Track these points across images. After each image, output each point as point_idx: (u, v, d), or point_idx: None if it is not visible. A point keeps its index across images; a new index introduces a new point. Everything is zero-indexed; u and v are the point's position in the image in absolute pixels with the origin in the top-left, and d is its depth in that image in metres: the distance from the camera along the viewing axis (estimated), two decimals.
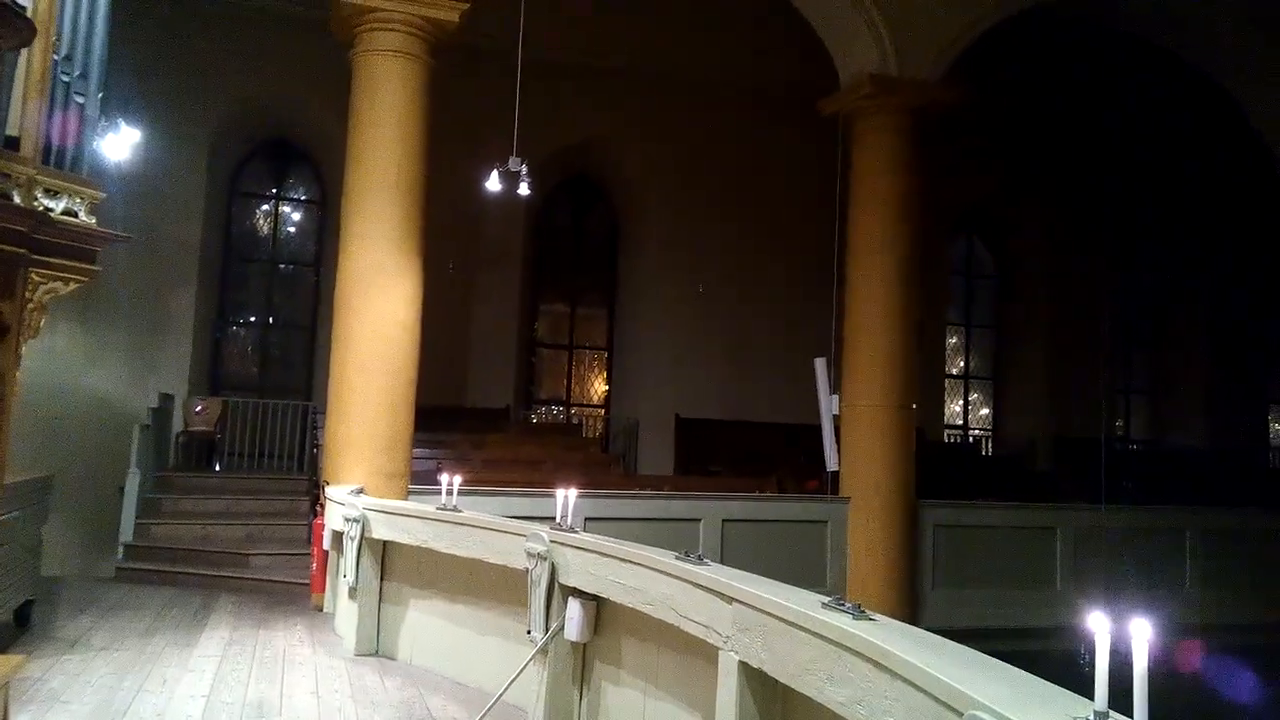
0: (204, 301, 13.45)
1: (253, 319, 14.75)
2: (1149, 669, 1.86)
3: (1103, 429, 14.31)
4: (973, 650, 2.61)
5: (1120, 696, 1.89)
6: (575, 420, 15.99)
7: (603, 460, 13.02)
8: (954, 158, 14.90)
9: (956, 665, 2.39)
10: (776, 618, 3.13)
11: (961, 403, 18.25)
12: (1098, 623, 1.94)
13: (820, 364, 10.82)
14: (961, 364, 18.34)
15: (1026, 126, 16.22)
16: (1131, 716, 1.87)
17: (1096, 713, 1.93)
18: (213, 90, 13.03)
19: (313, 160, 14.67)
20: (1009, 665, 2.46)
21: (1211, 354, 18.33)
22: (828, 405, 10.70)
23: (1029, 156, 16.61)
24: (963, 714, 2.10)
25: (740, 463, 12.99)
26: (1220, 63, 12.65)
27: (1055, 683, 2.27)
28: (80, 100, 5.51)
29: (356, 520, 6.52)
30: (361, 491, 7.54)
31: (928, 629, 3.29)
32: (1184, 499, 12.61)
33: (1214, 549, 11.52)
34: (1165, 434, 18.77)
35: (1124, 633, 1.88)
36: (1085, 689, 2.00)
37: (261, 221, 14.83)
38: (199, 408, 12.29)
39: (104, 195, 5.63)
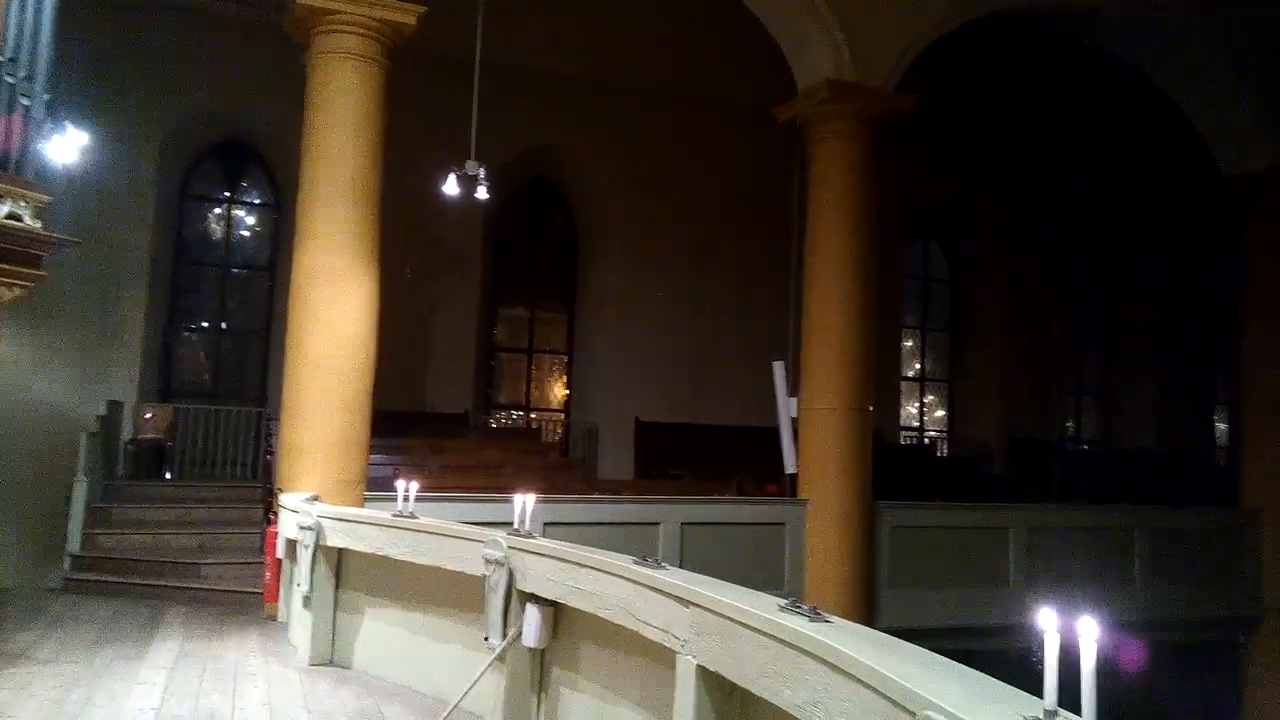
0: (154, 306, 13.20)
1: (205, 324, 14.50)
2: (1097, 667, 1.89)
3: (1055, 430, 14.56)
4: (927, 650, 2.64)
5: (1071, 694, 1.92)
6: (535, 425, 15.94)
7: (562, 465, 12.98)
8: (910, 163, 15.10)
9: (910, 666, 2.41)
10: (734, 621, 3.14)
11: (917, 405, 18.48)
12: (1047, 622, 1.97)
13: (778, 367, 10.90)
14: (917, 367, 18.57)
15: (981, 132, 16.48)
16: (1080, 715, 1.89)
17: (1046, 711, 1.95)
18: (163, 92, 12.80)
19: (266, 163, 14.47)
20: (962, 665, 2.48)
21: (1160, 357, 18.75)
22: (786, 408, 10.77)
23: (984, 162, 16.88)
24: (916, 714, 2.12)
25: (700, 466, 13.03)
26: (1165, 70, 12.94)
27: (1009, 681, 2.30)
28: (26, 103, 5.38)
29: (311, 528, 6.42)
30: (316, 499, 7.43)
31: (885, 629, 3.32)
32: (1134, 498, 12.88)
33: (1162, 547, 11.77)
34: (1116, 435, 19.18)
35: (1072, 631, 1.91)
36: (1038, 687, 2.03)
37: (214, 225, 14.59)
38: (149, 415, 12.05)
39: (50, 199, 5.50)
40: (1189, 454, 17.93)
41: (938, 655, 2.59)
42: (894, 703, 2.26)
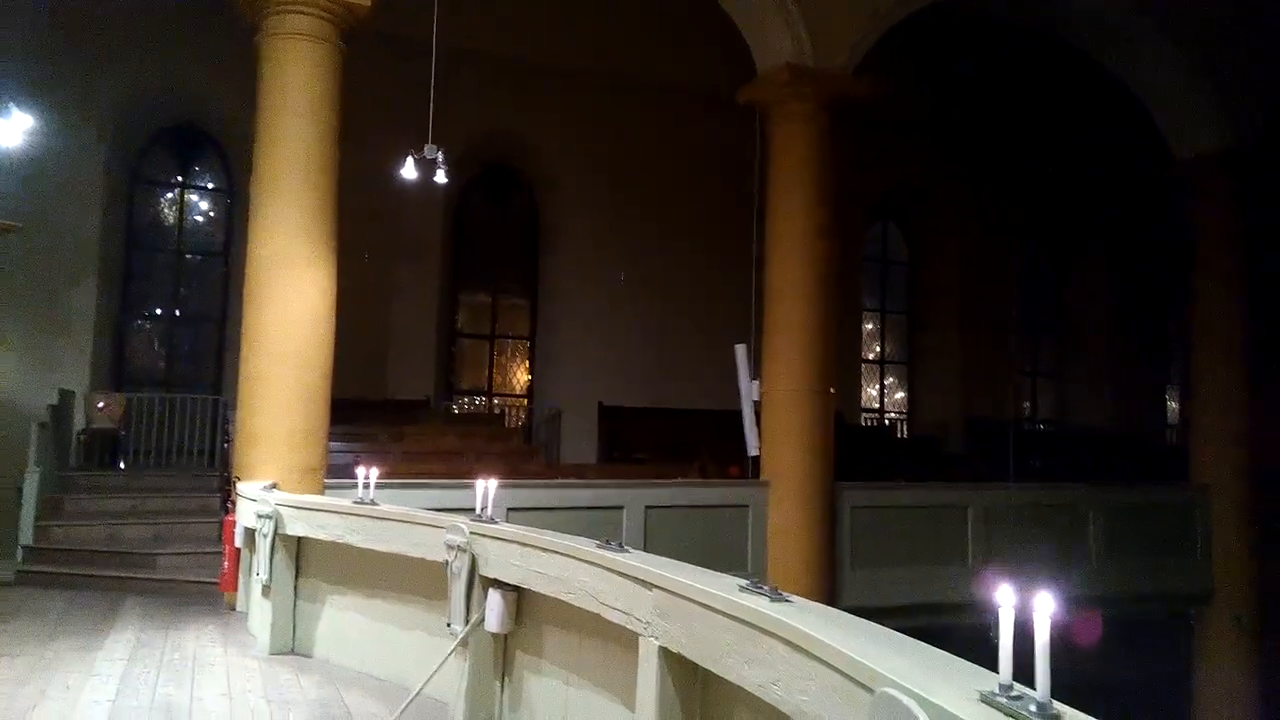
0: (106, 294, 12.92)
1: (158, 311, 14.23)
2: (1052, 641, 1.92)
3: (1011, 411, 14.78)
4: (885, 628, 2.67)
5: (1027, 667, 1.95)
6: (498, 410, 15.87)
7: (525, 450, 12.94)
8: (869, 146, 15.20)
9: (869, 643, 2.44)
10: (695, 602, 3.15)
11: (878, 387, 18.67)
12: (1002, 597, 2.00)
13: (741, 350, 10.93)
14: (877, 349, 18.75)
15: (939, 117, 16.62)
16: (1034, 687, 1.92)
17: (1001, 685, 1.98)
18: (112, 74, 12.51)
19: (219, 147, 14.20)
20: (920, 642, 2.52)
21: (1113, 338, 19.11)
22: (748, 391, 10.82)
23: (941, 146, 17.05)
24: (874, 690, 2.14)
25: (664, 450, 13.06)
26: (1116, 55, 13.13)
27: (967, 656, 2.33)
28: None
29: (269, 516, 6.35)
30: (275, 487, 7.34)
31: (847, 608, 3.36)
32: (1088, 477, 13.15)
33: (1115, 524, 12.03)
34: (1071, 415, 19.53)
35: (1027, 606, 1.94)
36: (995, 661, 2.06)
37: (166, 210, 14.31)
38: (101, 404, 11.82)
39: None
40: (1141, 433, 18.32)
41: (896, 632, 2.62)
42: (852, 679, 2.28)
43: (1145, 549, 12.26)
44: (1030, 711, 1.86)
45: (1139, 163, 15.40)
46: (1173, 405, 20.49)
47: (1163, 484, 13.64)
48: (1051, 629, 1.90)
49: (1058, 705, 1.88)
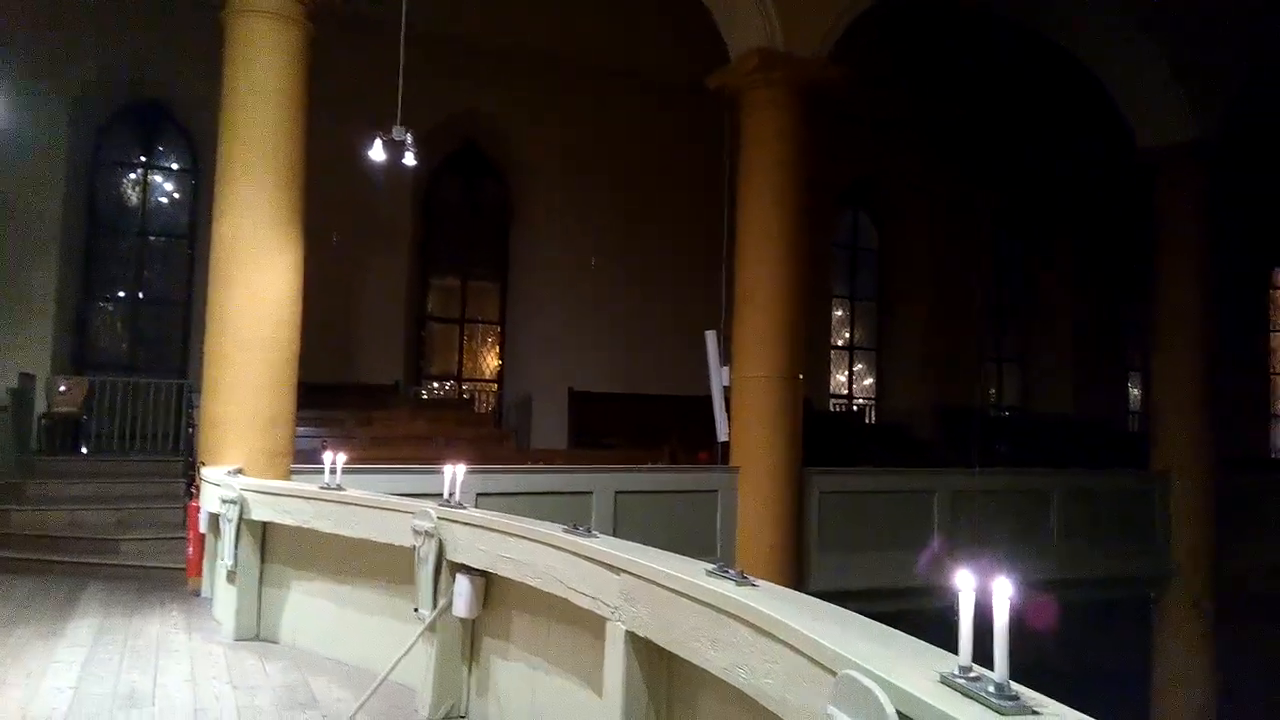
0: (67, 276, 12.70)
1: (121, 294, 13.99)
2: (1014, 624, 1.94)
3: (977, 397, 14.94)
4: (849, 612, 2.69)
5: (989, 649, 1.97)
6: (467, 396, 15.81)
7: (495, 435, 12.91)
8: (841, 134, 15.23)
9: (832, 626, 2.46)
10: (662, 587, 3.17)
11: (847, 373, 18.80)
12: (963, 581, 2.02)
13: (711, 336, 10.96)
14: (847, 335, 18.86)
15: (910, 105, 16.69)
16: (992, 668, 1.95)
17: (961, 667, 2.01)
18: (74, 52, 12.25)
19: (184, 126, 13.97)
20: (883, 625, 2.55)
21: (1078, 326, 19.37)
22: (718, 377, 10.85)
23: (913, 135, 17.12)
24: (836, 673, 2.16)
25: (634, 435, 13.08)
26: (1085, 46, 13.25)
27: (932, 639, 2.36)
28: None
29: (234, 502, 6.29)
30: (240, 472, 7.27)
31: (815, 592, 3.39)
32: (1051, 462, 13.33)
33: (1077, 508, 12.21)
34: (1035, 401, 19.79)
35: (987, 589, 1.96)
36: (956, 644, 2.09)
37: (129, 191, 14.05)
38: (63, 388, 11.63)
39: None
40: (1104, 419, 18.60)
41: (859, 616, 2.65)
42: (816, 662, 2.31)
43: (1107, 533, 12.46)
44: (988, 692, 1.89)
45: (1107, 152, 15.57)
46: (1135, 392, 20.81)
47: (1124, 469, 13.87)
48: (1012, 612, 1.93)
49: (1015, 686, 1.91)
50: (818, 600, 2.87)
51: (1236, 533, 13.12)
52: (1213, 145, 13.01)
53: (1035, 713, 1.87)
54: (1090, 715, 1.90)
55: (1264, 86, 13.74)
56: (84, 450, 11.84)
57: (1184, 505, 12.73)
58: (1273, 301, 20.54)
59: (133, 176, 14.04)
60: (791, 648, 2.43)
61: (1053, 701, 1.93)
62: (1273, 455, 20.10)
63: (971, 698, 1.91)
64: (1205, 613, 12.54)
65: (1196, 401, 12.84)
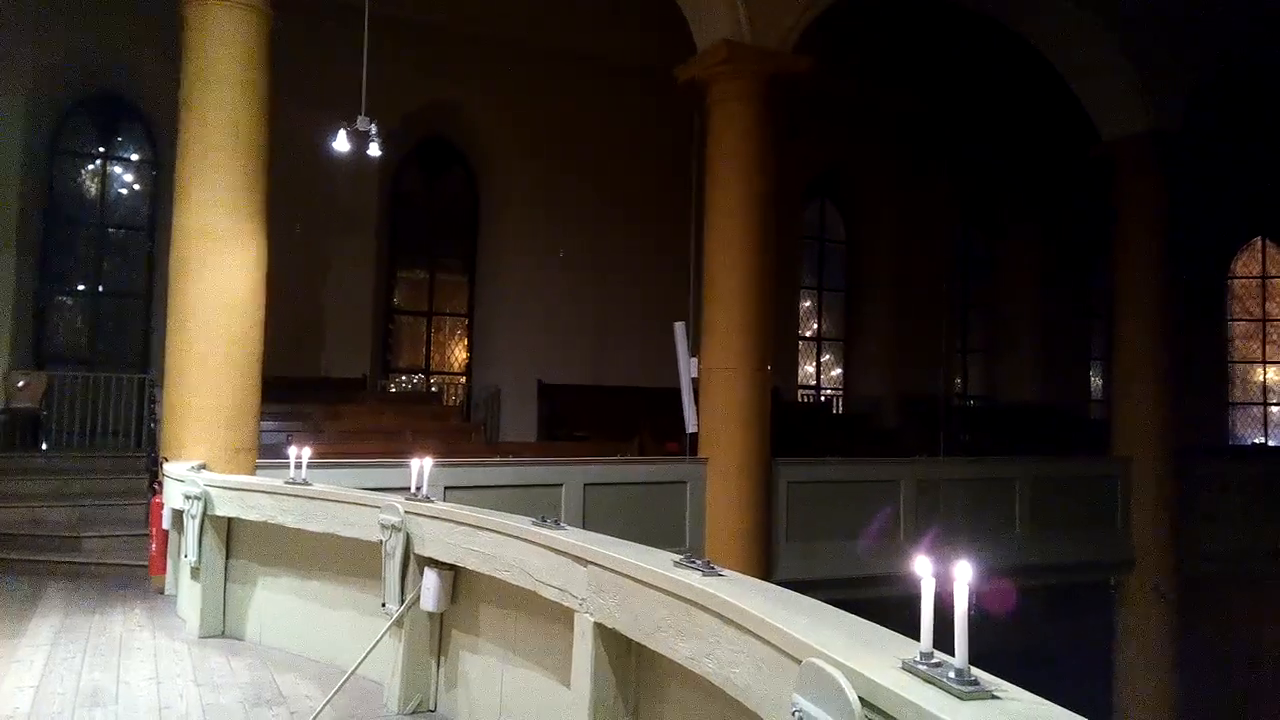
0: (24, 268, 12.47)
1: (81, 287, 13.75)
2: (979, 610, 1.97)
3: (942, 386, 15.09)
4: (815, 600, 2.72)
5: (951, 635, 2.00)
6: (436, 388, 15.72)
7: (464, 428, 12.84)
8: (808, 126, 15.29)
9: (797, 615, 2.48)
10: (629, 578, 3.18)
11: (814, 364, 18.91)
12: (922, 568, 2.05)
13: (679, 328, 10.97)
14: (814, 326, 18.97)
15: (878, 98, 16.78)
16: (953, 654, 1.98)
17: (922, 653, 2.04)
18: (30, 41, 11.99)
19: (144, 117, 13.73)
20: (847, 613, 2.57)
21: (1041, 314, 19.61)
22: (687, 368, 10.86)
23: (880, 126, 17.22)
24: (801, 661, 2.19)
25: (603, 427, 13.08)
26: (1046, 38, 13.38)
27: (898, 626, 2.39)
28: None
29: (198, 497, 6.22)
30: (204, 467, 7.19)
31: (783, 581, 3.42)
32: (1016, 450, 13.50)
33: (1041, 496, 12.37)
34: (1000, 390, 20.03)
35: (948, 576, 1.99)
36: (918, 631, 2.11)
37: (88, 182, 13.80)
38: (21, 383, 11.43)
39: None
40: (1066, 407, 18.86)
41: (824, 604, 2.67)
42: (781, 651, 2.33)
43: (1069, 519, 12.64)
44: (949, 678, 1.92)
45: (1071, 142, 15.75)
46: (1096, 380, 21.12)
47: (1086, 456, 14.07)
48: (974, 598, 1.96)
49: (975, 671, 1.94)
50: (784, 589, 2.89)
51: (1196, 518, 13.38)
52: (1172, 136, 13.20)
53: (994, 696, 1.90)
54: (1053, 698, 1.94)
55: (1224, 77, 13.97)
56: (44, 446, 11.64)
57: (1144, 491, 12.95)
58: (1232, 291, 20.91)
59: (91, 168, 13.79)
60: (757, 637, 2.45)
61: (1011, 685, 1.97)
62: (1231, 442, 20.48)
63: (932, 683, 1.94)
64: (1165, 597, 12.77)
65: (1156, 389, 13.04)
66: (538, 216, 15.19)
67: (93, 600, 7.25)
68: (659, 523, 10.08)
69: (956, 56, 15.81)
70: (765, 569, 10.20)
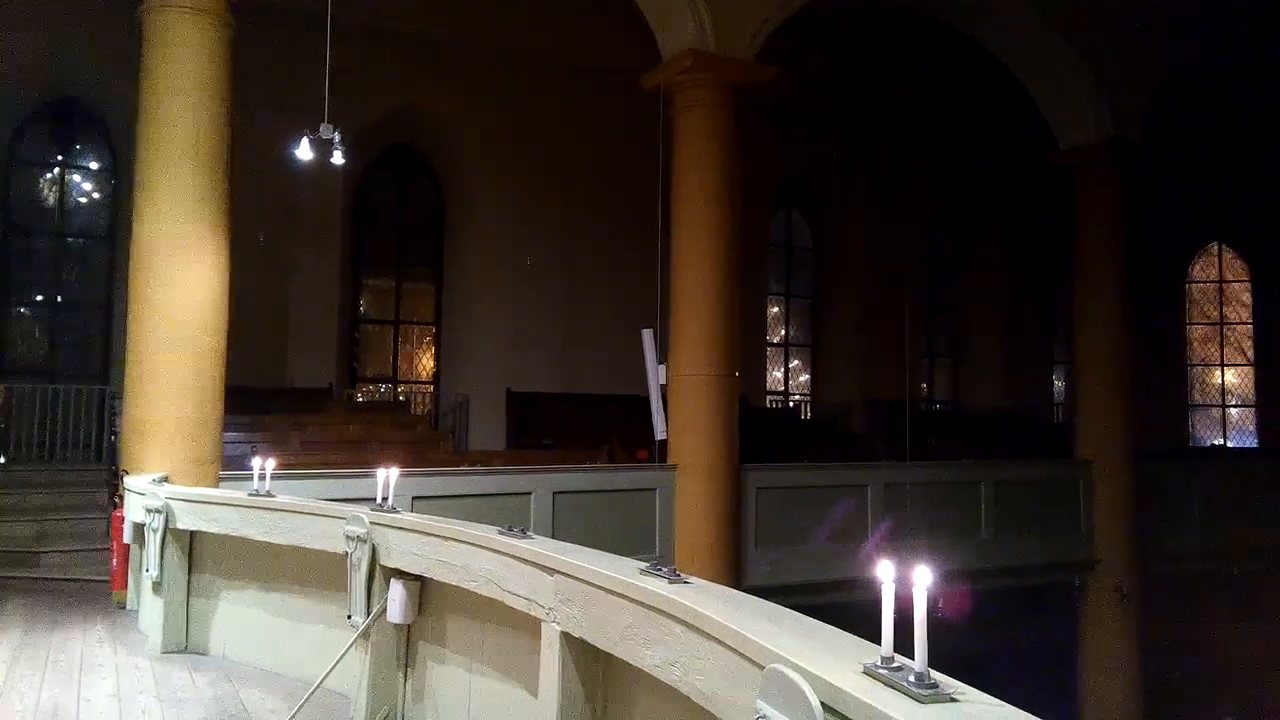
0: None
1: (39, 298, 13.52)
2: (942, 612, 2.00)
3: (908, 392, 15.23)
4: (779, 607, 2.74)
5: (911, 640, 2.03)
6: (403, 398, 15.61)
7: (431, 437, 12.77)
8: (775, 134, 15.39)
9: (762, 622, 2.50)
10: (596, 586, 3.18)
11: (782, 370, 19.01)
12: (884, 573, 2.07)
13: (648, 335, 10.99)
14: (782, 332, 19.07)
15: (843, 106, 16.93)
16: (913, 658, 2.00)
17: (883, 658, 2.06)
18: None
19: (102, 125, 13.54)
20: (811, 619, 2.59)
21: (1006, 320, 19.86)
22: (655, 376, 10.89)
23: (845, 134, 17.36)
24: (764, 667, 2.20)
25: (573, 435, 13.06)
26: (1007, 48, 13.59)
27: (864, 631, 2.41)
28: None
29: (159, 510, 6.13)
30: (166, 480, 7.09)
31: (752, 587, 3.44)
32: (981, 454, 13.65)
33: (1006, 499, 12.53)
34: (965, 394, 20.25)
35: (909, 580, 2.01)
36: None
37: (46, 191, 13.58)
38: None
39: None
40: (1030, 411, 19.11)
41: (788, 610, 2.69)
42: (745, 657, 2.34)
43: (1033, 522, 12.80)
44: (909, 682, 1.94)
45: (1033, 149, 15.99)
46: (1059, 384, 21.41)
47: (1049, 459, 14.26)
48: (937, 601, 1.99)
49: (935, 675, 1.97)
50: (749, 596, 2.90)
51: (1157, 519, 13.60)
52: (1131, 143, 13.45)
53: (953, 699, 1.92)
54: (1017, 699, 1.96)
55: (1183, 85, 14.24)
56: (2, 460, 11.41)
57: (1105, 493, 13.15)
58: (1190, 295, 21.29)
59: (49, 176, 13.57)
60: (722, 644, 2.46)
61: (971, 689, 1.99)
62: (1191, 444, 20.84)
63: (893, 687, 1.96)
64: (1127, 597, 12.96)
65: (1116, 392, 13.26)
66: (505, 224, 15.15)
67: (52, 616, 7.12)
68: (629, 530, 10.07)
69: (923, 65, 16.01)
70: (735, 574, 10.22)
